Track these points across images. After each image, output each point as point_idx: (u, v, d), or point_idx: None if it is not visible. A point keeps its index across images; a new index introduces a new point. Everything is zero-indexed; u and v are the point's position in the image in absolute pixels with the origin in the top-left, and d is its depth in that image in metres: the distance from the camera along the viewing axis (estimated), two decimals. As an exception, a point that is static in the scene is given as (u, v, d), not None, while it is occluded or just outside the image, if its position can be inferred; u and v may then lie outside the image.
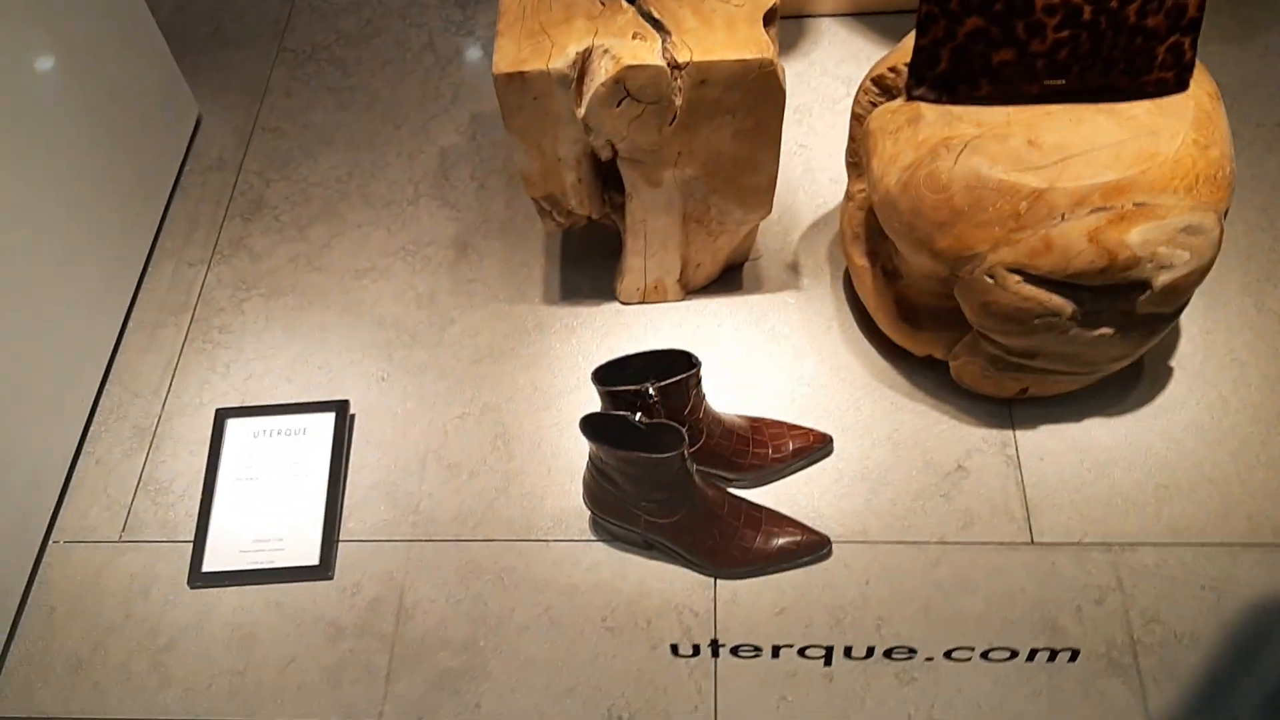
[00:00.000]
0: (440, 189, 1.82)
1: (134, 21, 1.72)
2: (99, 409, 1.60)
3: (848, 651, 1.28)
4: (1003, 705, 1.28)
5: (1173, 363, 1.54)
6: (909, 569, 1.38)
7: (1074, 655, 1.27)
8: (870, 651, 1.28)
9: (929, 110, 1.29)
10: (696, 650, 1.30)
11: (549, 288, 1.68)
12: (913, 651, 1.27)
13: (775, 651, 1.28)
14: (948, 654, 1.27)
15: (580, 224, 1.55)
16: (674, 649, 1.31)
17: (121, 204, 1.67)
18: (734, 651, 1.29)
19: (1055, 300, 1.26)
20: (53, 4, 1.49)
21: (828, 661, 1.27)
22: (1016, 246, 1.23)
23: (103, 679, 1.37)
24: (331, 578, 1.42)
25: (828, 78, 1.92)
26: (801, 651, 1.28)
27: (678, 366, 1.32)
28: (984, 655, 1.27)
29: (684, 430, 1.25)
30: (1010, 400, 1.50)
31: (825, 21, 2.00)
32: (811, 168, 1.79)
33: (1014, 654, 1.27)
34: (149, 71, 1.77)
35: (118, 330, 1.66)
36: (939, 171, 1.24)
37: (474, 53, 2.03)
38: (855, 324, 1.60)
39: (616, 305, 1.65)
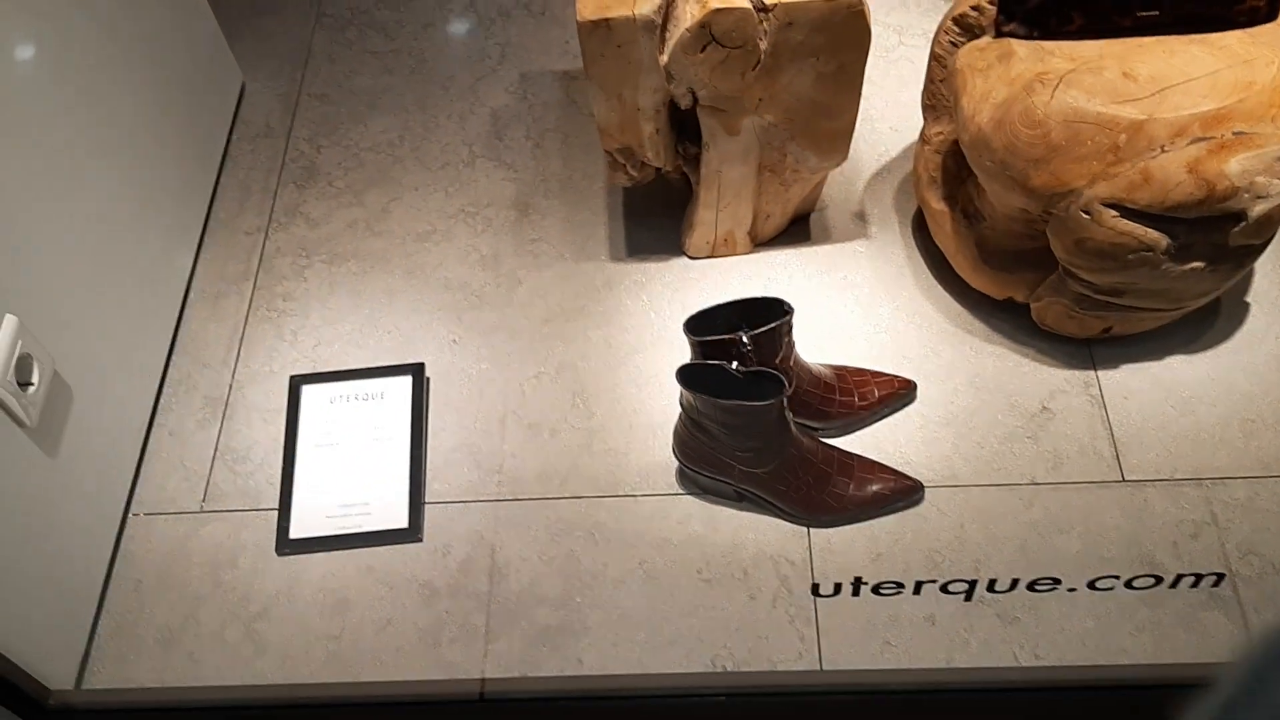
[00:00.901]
0: (495, 150, 1.80)
1: (179, -13, 1.69)
2: (167, 381, 1.58)
3: (991, 585, 1.27)
4: (1107, 642, 1.28)
5: (1249, 299, 1.54)
6: (1002, 511, 1.38)
7: (1219, 579, 1.27)
8: (1014, 584, 1.27)
9: (1020, 46, 1.28)
10: (838, 589, 1.29)
11: (614, 245, 1.67)
12: (1056, 581, 1.27)
13: (917, 588, 1.28)
14: (1091, 584, 1.27)
15: (650, 178, 1.54)
16: (815, 588, 1.31)
17: (173, 175, 1.64)
18: (875, 590, 1.28)
19: (1151, 234, 1.25)
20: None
21: (968, 597, 1.27)
22: (1114, 180, 1.23)
23: (197, 649, 1.35)
24: (421, 540, 1.41)
25: (878, 26, 1.89)
26: (944, 588, 1.28)
27: (768, 314, 1.31)
28: (1128, 584, 1.27)
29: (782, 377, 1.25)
30: (1090, 341, 1.50)
31: (872, -30, 1.98)
32: (870, 117, 1.78)
33: (1158, 580, 1.27)
34: (193, 39, 1.73)
35: (179, 302, 1.64)
36: (1034, 107, 1.23)
37: (518, 13, 2.00)
38: (928, 270, 1.60)
39: (684, 260, 1.64)
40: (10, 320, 1.21)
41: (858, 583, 1.28)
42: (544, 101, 1.86)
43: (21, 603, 1.24)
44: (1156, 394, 1.46)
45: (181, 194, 1.67)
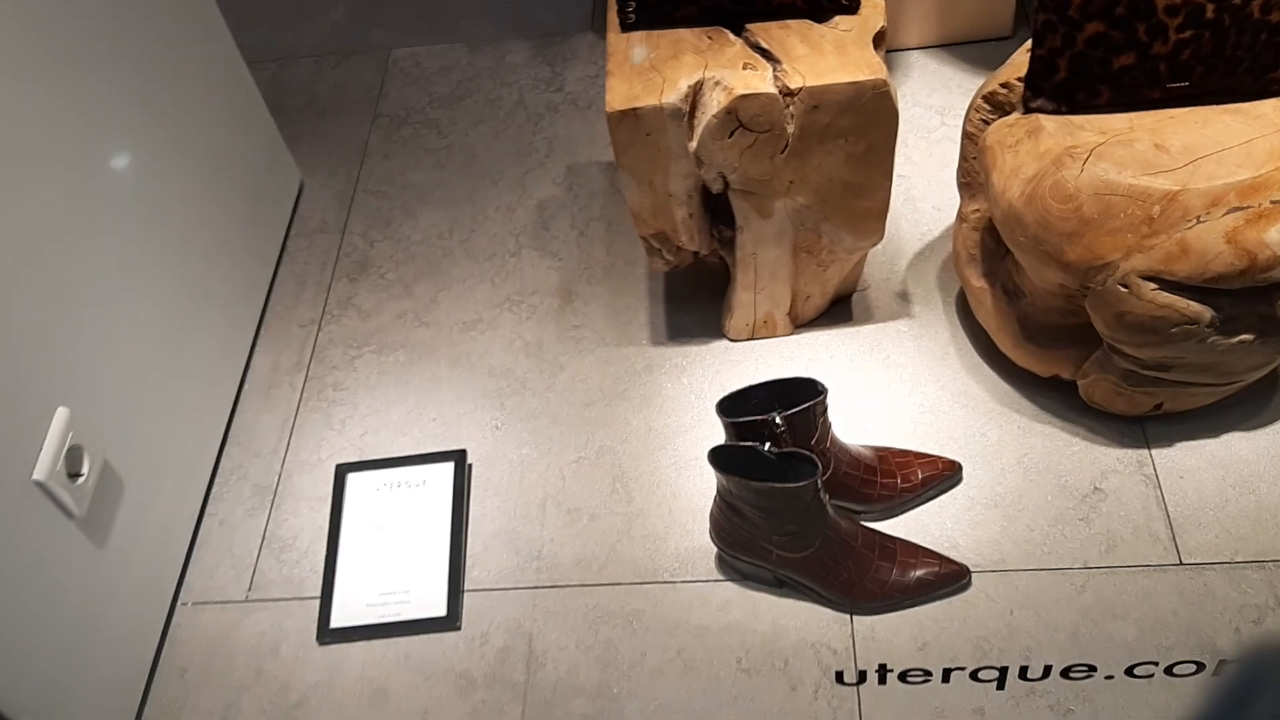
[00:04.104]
0: (541, 239, 1.84)
1: (241, 96, 1.77)
2: (219, 470, 1.61)
3: (1023, 673, 1.23)
4: (1167, 734, 1.22)
5: (1311, 372, 1.48)
6: (1053, 597, 1.33)
7: None
8: (1047, 671, 1.22)
9: (1048, 121, 1.27)
10: (863, 677, 1.26)
11: (655, 329, 1.67)
12: (1092, 669, 1.22)
13: (945, 676, 1.23)
14: (1129, 671, 1.22)
15: (687, 262, 1.55)
16: (839, 676, 1.28)
17: (232, 272, 1.70)
18: (902, 678, 1.24)
19: (1193, 307, 1.22)
20: (165, 81, 1.54)
21: (1000, 685, 1.22)
22: (1150, 253, 1.20)
23: (237, 738, 1.36)
24: (459, 628, 1.41)
25: (920, 108, 1.92)
26: (974, 675, 1.23)
27: (802, 395, 1.30)
28: (1168, 671, 1.21)
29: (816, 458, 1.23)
30: (1143, 418, 1.45)
31: (913, 54, 2.00)
32: (912, 196, 1.78)
33: (1200, 667, 1.21)
34: (254, 143, 1.81)
35: (234, 393, 1.69)
36: (1065, 181, 1.22)
37: (565, 108, 2.05)
38: (973, 348, 1.57)
39: (725, 343, 1.64)
40: (62, 413, 1.25)
41: (883, 670, 1.24)
42: (589, 191, 1.89)
43: (69, 690, 1.26)
44: (1214, 472, 1.41)
45: (239, 289, 1.73)
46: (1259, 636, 1.27)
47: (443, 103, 2.11)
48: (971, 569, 1.35)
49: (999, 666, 1.23)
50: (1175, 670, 1.21)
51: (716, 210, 1.48)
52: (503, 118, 2.06)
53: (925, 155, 1.83)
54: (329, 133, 2.09)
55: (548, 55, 2.16)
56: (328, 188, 1.99)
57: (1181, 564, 1.34)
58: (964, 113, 1.45)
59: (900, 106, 1.84)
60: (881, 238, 1.48)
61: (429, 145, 2.04)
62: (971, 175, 1.46)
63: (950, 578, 1.34)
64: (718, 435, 1.40)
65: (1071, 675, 1.22)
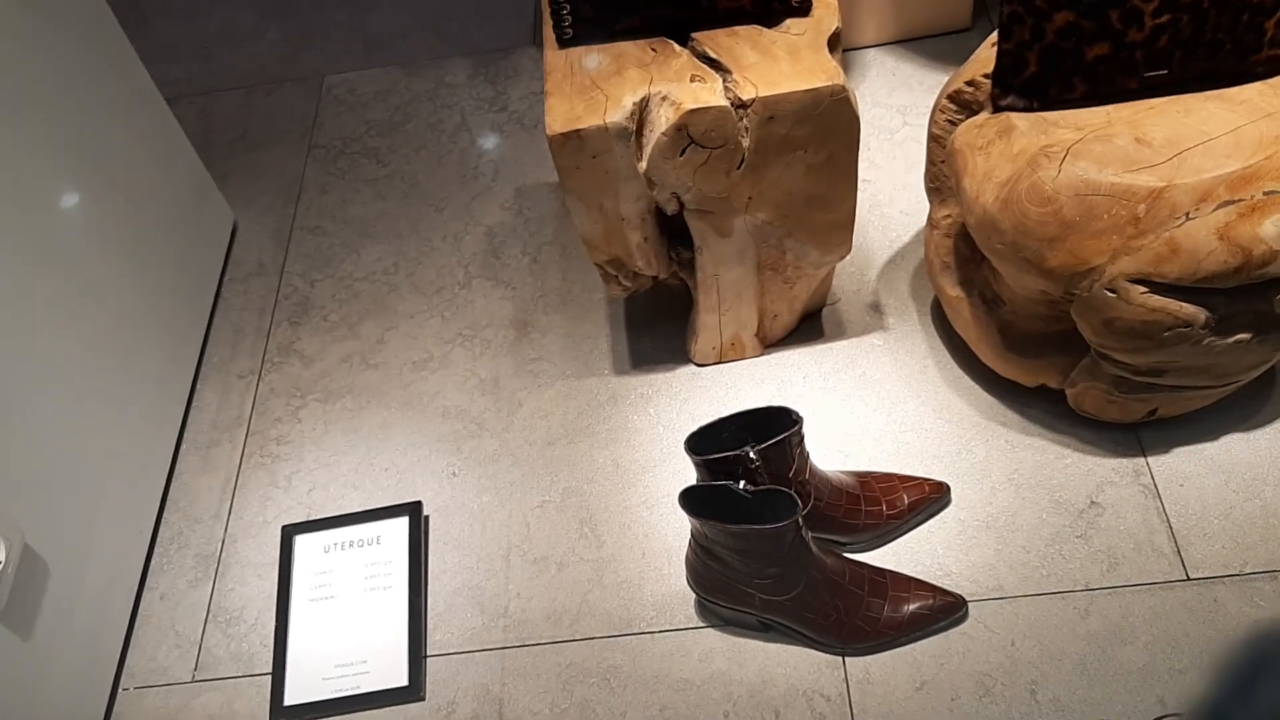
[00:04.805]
0: (492, 268, 1.74)
1: (163, 135, 1.66)
2: (158, 540, 1.51)
3: None
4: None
5: (1308, 364, 1.41)
6: (1056, 623, 1.25)
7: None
8: None
9: (1020, 119, 1.19)
10: None
11: (618, 358, 1.58)
12: None
13: None
14: None
15: (646, 287, 1.46)
16: None
17: (163, 323, 1.59)
18: None
19: (1186, 309, 1.14)
20: (81, 125, 1.43)
21: None
22: (1138, 254, 1.12)
23: (189, 835, 1.25)
24: (423, 698, 1.31)
25: (880, 109, 1.83)
26: None
27: (775, 425, 1.21)
28: None
29: (794, 494, 1.14)
30: (1137, 425, 1.37)
31: (870, 52, 1.92)
32: (879, 202, 1.69)
33: None
34: (181, 184, 1.70)
35: (170, 455, 1.58)
36: (1042, 183, 1.13)
37: (510, 127, 1.96)
38: (952, 360, 1.49)
39: (692, 368, 1.55)
40: (-30, 498, 1.15)
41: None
42: (540, 215, 1.80)
43: (-5, 800, 1.16)
44: (1215, 478, 1.33)
45: (171, 341, 1.61)
46: (1261, 621, 1.20)
47: (381, 129, 2.00)
48: (968, 598, 1.27)
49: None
50: None
51: (673, 231, 1.39)
52: (445, 142, 1.96)
53: (889, 158, 1.75)
54: (262, 168, 1.98)
55: (489, 73, 2.07)
56: (263, 226, 1.88)
57: (1189, 579, 1.26)
58: (927, 111, 1.37)
59: (860, 109, 1.76)
60: (849, 250, 1.39)
61: (368, 175, 1.93)
62: (940, 180, 1.37)
63: (946, 610, 1.25)
64: (689, 468, 1.31)
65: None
